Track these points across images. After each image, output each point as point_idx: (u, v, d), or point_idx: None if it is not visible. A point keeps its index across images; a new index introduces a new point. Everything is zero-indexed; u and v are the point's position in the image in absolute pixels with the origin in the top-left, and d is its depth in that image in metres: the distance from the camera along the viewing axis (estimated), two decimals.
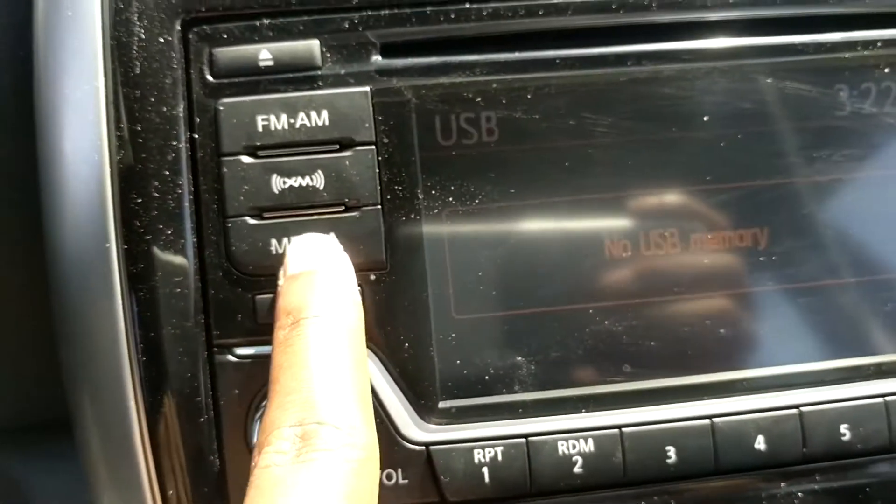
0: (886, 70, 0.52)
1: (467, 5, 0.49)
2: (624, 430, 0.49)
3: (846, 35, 0.52)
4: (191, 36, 0.48)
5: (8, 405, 0.66)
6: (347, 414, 0.40)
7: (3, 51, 0.56)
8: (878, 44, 0.52)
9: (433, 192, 0.50)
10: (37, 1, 0.49)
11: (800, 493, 0.51)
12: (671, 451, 0.49)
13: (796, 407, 0.50)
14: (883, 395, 0.51)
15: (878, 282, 0.52)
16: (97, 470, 0.49)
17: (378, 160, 0.48)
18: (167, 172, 0.48)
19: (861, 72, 0.52)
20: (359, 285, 0.48)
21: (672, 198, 0.51)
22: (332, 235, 0.48)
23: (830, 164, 0.52)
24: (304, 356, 0.41)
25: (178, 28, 0.48)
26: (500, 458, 0.48)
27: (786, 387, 0.51)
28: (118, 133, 0.47)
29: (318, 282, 0.44)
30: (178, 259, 0.48)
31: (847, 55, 0.52)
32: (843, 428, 0.50)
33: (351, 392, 0.41)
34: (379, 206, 0.48)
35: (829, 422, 0.50)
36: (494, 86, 0.49)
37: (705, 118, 0.51)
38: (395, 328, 0.49)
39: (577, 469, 0.48)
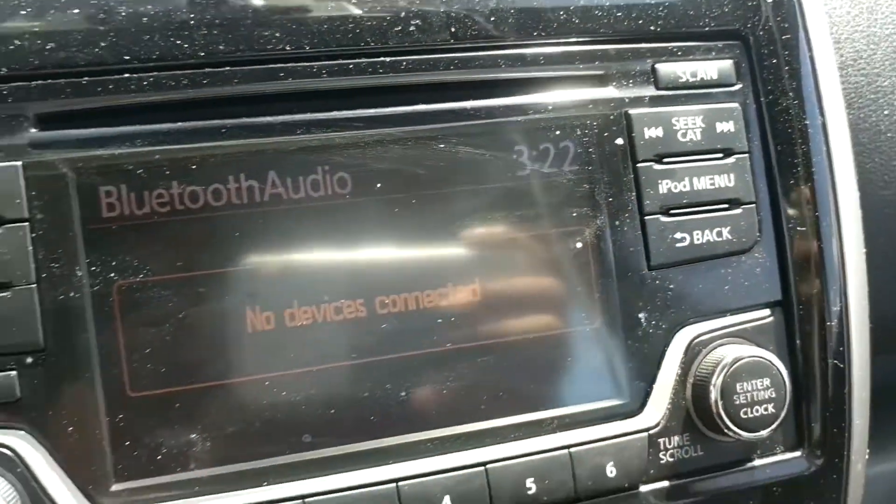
0: (558, 132, 0.54)
1: (126, 76, 0.48)
2: (307, 500, 0.47)
3: (517, 100, 0.54)
4: None
5: None
6: None
7: None
8: (549, 107, 0.54)
9: (96, 267, 0.47)
10: None
11: None
12: None
13: (482, 464, 0.50)
14: (567, 447, 0.51)
15: (548, 338, 0.53)
16: None
17: (32, 237, 0.46)
18: None
19: (537, 134, 0.54)
20: (13, 368, 0.46)
21: (348, 263, 0.51)
22: None
23: (508, 224, 0.53)
24: None
25: None
26: None
27: (471, 445, 0.51)
28: None
29: None
30: None
31: (520, 119, 0.54)
32: (529, 482, 0.50)
33: None
34: (34, 285, 0.46)
35: (514, 476, 0.50)
36: (157, 157, 0.48)
37: (378, 185, 0.51)
38: (57, 412, 0.46)
39: None
